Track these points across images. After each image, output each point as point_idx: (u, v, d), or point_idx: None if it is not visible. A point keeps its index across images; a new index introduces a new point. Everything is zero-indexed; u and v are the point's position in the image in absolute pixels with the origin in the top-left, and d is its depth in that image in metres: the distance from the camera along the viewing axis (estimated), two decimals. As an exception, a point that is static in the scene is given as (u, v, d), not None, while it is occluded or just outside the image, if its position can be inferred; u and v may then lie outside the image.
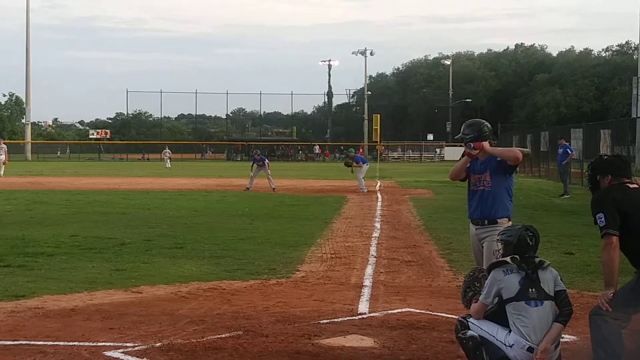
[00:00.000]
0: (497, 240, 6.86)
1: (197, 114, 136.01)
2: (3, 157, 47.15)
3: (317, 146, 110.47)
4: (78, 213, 21.99)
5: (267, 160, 34.95)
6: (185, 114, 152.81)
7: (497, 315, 6.59)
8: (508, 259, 6.65)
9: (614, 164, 6.63)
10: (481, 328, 6.67)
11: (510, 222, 7.98)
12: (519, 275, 6.56)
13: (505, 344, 6.48)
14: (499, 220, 7.97)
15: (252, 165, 34.57)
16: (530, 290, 6.47)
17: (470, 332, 6.69)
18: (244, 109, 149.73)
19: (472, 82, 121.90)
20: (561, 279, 6.71)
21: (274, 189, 32.60)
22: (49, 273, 11.84)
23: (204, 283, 11.11)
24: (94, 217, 20.82)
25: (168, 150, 70.41)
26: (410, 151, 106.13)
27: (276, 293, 10.52)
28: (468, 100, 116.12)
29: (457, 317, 7.13)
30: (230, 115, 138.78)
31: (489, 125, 8.24)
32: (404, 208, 24.71)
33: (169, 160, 67.42)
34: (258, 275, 11.91)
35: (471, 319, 6.79)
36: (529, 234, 6.72)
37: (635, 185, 6.43)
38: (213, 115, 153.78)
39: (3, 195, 28.81)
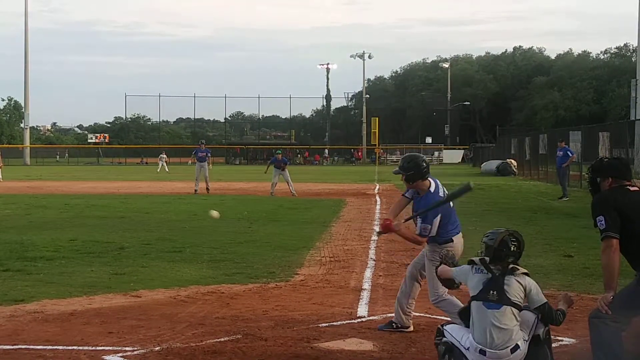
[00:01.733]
0: (481, 241, 6.87)
1: (196, 117, 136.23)
2: None
3: (327, 150, 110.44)
4: (77, 217, 21.99)
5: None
6: (184, 117, 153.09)
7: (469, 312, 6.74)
8: (476, 259, 6.75)
9: (615, 166, 6.62)
10: (452, 334, 6.82)
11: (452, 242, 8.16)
12: (484, 276, 6.64)
13: (465, 348, 6.58)
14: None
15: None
16: (491, 292, 6.52)
17: (444, 339, 6.84)
18: (242, 113, 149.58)
19: (470, 85, 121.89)
20: (540, 290, 6.67)
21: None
22: (48, 277, 11.83)
23: (203, 287, 11.10)
24: (93, 221, 20.82)
25: (164, 155, 70.15)
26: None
27: (275, 297, 10.51)
28: (466, 103, 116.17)
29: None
30: (229, 118, 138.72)
31: (426, 161, 8.49)
32: (402, 211, 24.69)
33: (165, 165, 67.17)
34: (257, 279, 11.91)
35: (447, 327, 6.95)
36: (512, 239, 6.72)
37: (636, 188, 6.42)
38: (211, 119, 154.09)
39: (2, 199, 28.82)
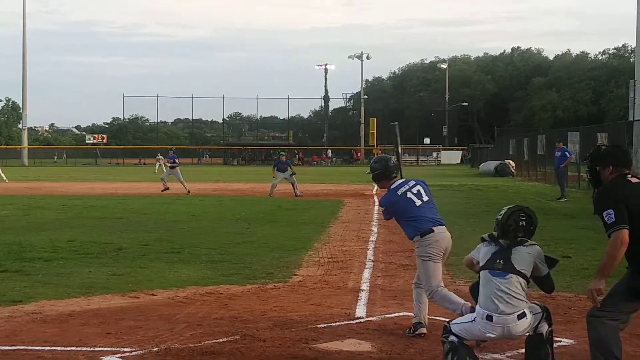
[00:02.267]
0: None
1: (194, 118, 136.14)
2: None
3: (330, 151, 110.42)
4: (75, 218, 22.00)
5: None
6: (182, 118, 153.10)
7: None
8: (487, 235, 6.98)
9: (614, 154, 6.51)
10: (458, 322, 6.89)
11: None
12: (493, 248, 6.80)
13: (470, 321, 6.64)
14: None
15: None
16: (497, 261, 6.65)
17: (451, 337, 6.81)
18: (240, 114, 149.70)
19: (468, 85, 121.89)
20: (545, 258, 6.83)
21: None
22: (46, 278, 11.83)
23: (201, 288, 11.10)
24: (91, 222, 20.82)
25: (161, 156, 70.01)
26: (407, 155, 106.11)
27: (273, 297, 10.51)
28: (465, 103, 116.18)
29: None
30: (227, 119, 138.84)
31: (394, 163, 8.94)
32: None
33: (163, 166, 66.86)
34: (255, 279, 11.91)
35: (452, 322, 6.97)
36: (521, 215, 6.81)
37: (636, 180, 6.34)
38: (210, 120, 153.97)
39: (0, 200, 28.79)
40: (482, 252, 6.90)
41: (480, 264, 6.84)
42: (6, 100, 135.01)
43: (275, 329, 8.55)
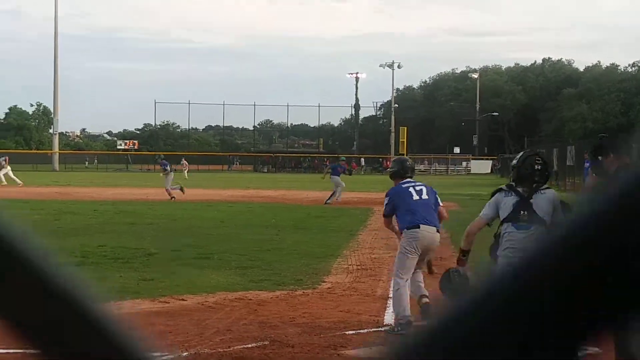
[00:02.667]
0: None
1: (225, 125, 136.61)
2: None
3: (363, 159, 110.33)
4: (106, 223, 22.15)
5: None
6: (213, 125, 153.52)
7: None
8: (504, 186, 6.98)
9: (614, 144, 6.58)
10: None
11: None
12: (514, 198, 6.75)
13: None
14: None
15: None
16: (521, 212, 6.57)
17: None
18: (271, 121, 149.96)
19: (499, 95, 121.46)
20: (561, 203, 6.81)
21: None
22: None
23: (231, 293, 11.15)
24: (122, 227, 20.96)
25: (185, 162, 70.27)
26: (437, 164, 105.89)
27: (302, 304, 10.54)
28: (495, 113, 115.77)
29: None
30: (258, 126, 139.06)
31: (410, 164, 10.24)
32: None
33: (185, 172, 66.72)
34: (284, 286, 11.94)
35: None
36: (536, 159, 6.82)
37: None
38: (240, 127, 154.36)
39: (31, 205, 29.03)
40: (502, 203, 6.80)
41: (502, 216, 6.77)
42: (37, 105, 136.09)
43: (303, 335, 8.59)
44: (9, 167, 48.27)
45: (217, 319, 9.41)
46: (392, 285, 9.55)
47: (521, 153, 7.07)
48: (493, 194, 7.03)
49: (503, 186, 7.02)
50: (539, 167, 6.81)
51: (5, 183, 45.28)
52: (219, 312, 9.88)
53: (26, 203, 29.36)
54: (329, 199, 32.44)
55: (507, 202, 6.77)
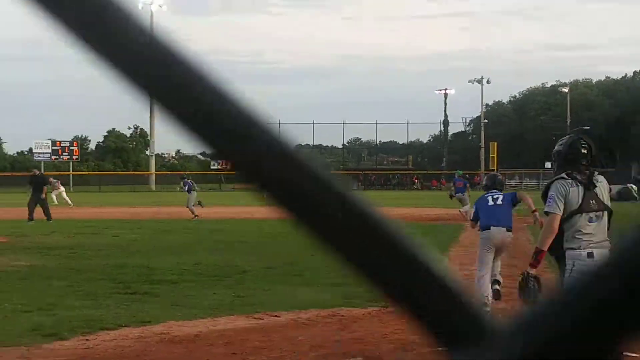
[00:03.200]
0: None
1: (315, 143, 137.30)
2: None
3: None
4: (200, 241, 22.51)
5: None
6: (303, 144, 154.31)
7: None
8: (564, 174, 6.75)
9: None
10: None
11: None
12: (578, 187, 6.63)
13: (569, 270, 6.54)
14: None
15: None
16: (590, 202, 6.48)
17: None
18: (360, 139, 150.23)
19: (590, 109, 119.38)
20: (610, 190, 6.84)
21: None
22: (173, 300, 12.20)
23: (323, 310, 11.26)
24: (216, 245, 21.29)
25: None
26: (528, 179, 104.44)
27: (394, 320, 10.56)
28: (586, 127, 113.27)
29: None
30: (347, 144, 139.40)
31: (500, 178, 12.68)
32: (521, 235, 24.37)
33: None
34: (376, 302, 11.97)
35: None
36: (582, 142, 6.71)
37: None
38: (330, 145, 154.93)
39: (129, 224, 29.71)
40: (569, 194, 6.63)
41: (570, 208, 6.58)
42: (134, 128, 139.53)
43: (397, 351, 8.64)
44: (62, 188, 52.04)
45: (310, 335, 9.52)
46: (475, 276, 11.23)
47: (565, 138, 6.92)
48: (548, 186, 6.87)
49: (563, 174, 6.78)
50: (585, 150, 6.71)
51: (57, 203, 46.61)
52: (312, 328, 10.00)
53: (126, 223, 30.09)
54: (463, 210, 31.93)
55: (573, 192, 6.61)
